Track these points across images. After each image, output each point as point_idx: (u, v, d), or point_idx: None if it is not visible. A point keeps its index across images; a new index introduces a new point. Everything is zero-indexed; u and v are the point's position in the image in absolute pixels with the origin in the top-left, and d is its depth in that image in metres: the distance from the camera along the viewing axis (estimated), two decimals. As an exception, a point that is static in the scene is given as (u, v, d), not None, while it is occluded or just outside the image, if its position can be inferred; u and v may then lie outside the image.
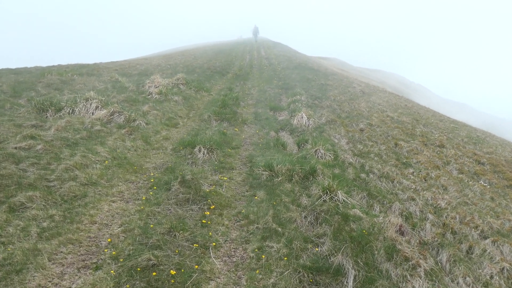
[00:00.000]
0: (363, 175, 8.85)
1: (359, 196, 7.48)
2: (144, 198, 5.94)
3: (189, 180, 6.59)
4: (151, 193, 6.13)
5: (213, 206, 6.03)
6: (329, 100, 16.32)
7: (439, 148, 13.61)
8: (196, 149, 8.22)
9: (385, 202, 7.43)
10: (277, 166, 7.91)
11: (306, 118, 12.50)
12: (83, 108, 9.34)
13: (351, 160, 9.70)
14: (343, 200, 6.91)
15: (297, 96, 15.72)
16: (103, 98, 9.95)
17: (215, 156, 8.26)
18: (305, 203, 6.76)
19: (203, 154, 8.16)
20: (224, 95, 14.84)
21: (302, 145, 10.39)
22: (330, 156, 9.55)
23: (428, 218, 7.03)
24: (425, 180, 9.78)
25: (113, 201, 5.72)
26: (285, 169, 7.88)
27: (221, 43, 50.79)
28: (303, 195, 7.05)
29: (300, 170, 8.06)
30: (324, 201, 6.77)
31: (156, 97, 12.44)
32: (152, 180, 6.63)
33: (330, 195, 6.94)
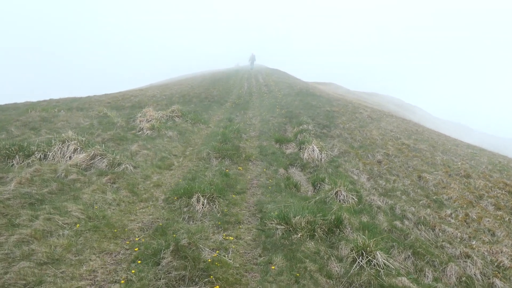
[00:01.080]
0: (397, 223, 7.24)
1: (402, 255, 5.87)
2: (123, 280, 4.32)
3: (185, 246, 4.99)
4: (133, 271, 4.50)
5: (217, 287, 4.41)
6: (338, 128, 14.85)
7: (466, 178, 12.06)
8: (194, 199, 6.63)
9: (435, 263, 5.81)
10: (294, 217, 6.32)
11: (317, 151, 10.97)
12: (59, 152, 7.79)
13: (379, 203, 8.11)
14: (384, 264, 5.30)
15: (303, 125, 14.25)
16: (84, 139, 8.41)
17: (217, 207, 6.67)
18: (336, 271, 5.15)
19: (203, 205, 6.57)
20: (224, 127, 13.36)
21: (318, 185, 8.82)
22: (353, 199, 7.96)
23: (496, 286, 5.40)
24: (467, 224, 8.17)
25: (80, 289, 4.10)
26: (305, 222, 6.27)
27: (218, 71, 49.83)
28: (332, 258, 5.44)
29: (322, 222, 6.46)
30: (361, 267, 5.18)
31: (147, 133, 10.93)
32: (136, 249, 5.01)
33: (367, 257, 5.35)
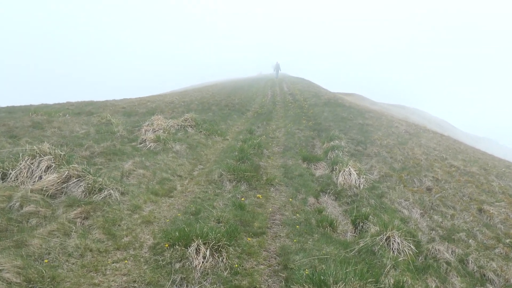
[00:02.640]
0: (479, 291, 5.06)
1: None
2: None
3: None
4: None
5: None
6: (375, 145, 12.65)
7: (535, 212, 9.69)
8: (192, 248, 4.63)
9: None
10: (335, 283, 4.25)
11: (355, 175, 8.83)
12: (25, 170, 5.94)
13: (446, 255, 5.92)
14: None
15: (335, 141, 12.13)
16: (63, 153, 6.54)
17: (224, 260, 4.65)
18: None
19: (204, 258, 4.57)
20: (243, 140, 11.37)
21: (361, 223, 6.69)
22: (410, 247, 5.81)
23: None
24: None
25: None
26: (351, 291, 4.21)
27: (240, 79, 48.15)
28: None
29: (376, 291, 4.37)
30: None
31: (150, 146, 9.03)
32: None
33: None
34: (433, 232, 6.96)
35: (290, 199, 7.26)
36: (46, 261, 4.03)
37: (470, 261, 5.96)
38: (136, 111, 18.06)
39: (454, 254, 6.10)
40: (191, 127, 12.02)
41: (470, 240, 6.98)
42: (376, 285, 4.45)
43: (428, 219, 7.67)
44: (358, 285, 4.28)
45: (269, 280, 4.53)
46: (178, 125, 11.87)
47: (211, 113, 16.92)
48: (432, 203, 8.78)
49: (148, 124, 11.11)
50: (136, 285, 3.95)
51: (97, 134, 9.56)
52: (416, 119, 49.02)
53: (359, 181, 8.77)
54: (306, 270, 4.60)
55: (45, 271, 3.81)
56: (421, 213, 7.83)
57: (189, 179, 7.70)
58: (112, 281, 3.96)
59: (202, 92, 29.60)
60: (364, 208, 7.22)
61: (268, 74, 55.13)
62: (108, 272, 4.10)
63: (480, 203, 9.50)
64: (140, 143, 9.24)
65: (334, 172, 9.53)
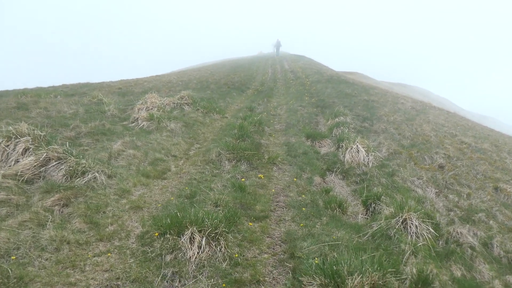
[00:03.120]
0: (510, 279, 4.49)
1: None
2: None
3: None
4: None
5: None
6: (382, 121, 11.98)
7: (553, 189, 9.09)
8: (186, 237, 4.04)
9: None
10: (350, 275, 3.68)
11: (364, 152, 8.21)
12: (0, 154, 5.31)
13: (470, 239, 5.34)
14: None
15: (340, 117, 11.46)
16: (43, 133, 5.90)
17: (223, 249, 4.07)
18: None
19: (199, 247, 3.99)
20: (242, 117, 10.71)
21: (373, 204, 6.10)
22: (429, 230, 5.23)
23: None
24: None
25: None
26: (369, 285, 3.63)
27: (240, 58, 47.09)
28: None
29: (397, 283, 3.81)
30: None
31: (143, 125, 8.38)
32: None
33: None
34: (451, 213, 6.38)
35: (295, 179, 6.66)
36: (14, 257, 3.45)
37: (495, 245, 5.39)
38: (131, 91, 17.36)
39: (476, 238, 5.52)
40: (187, 105, 11.34)
41: (491, 222, 6.40)
42: (397, 276, 3.89)
43: (444, 198, 7.08)
44: (376, 276, 3.71)
45: (274, 271, 3.96)
46: (174, 103, 11.19)
47: (209, 91, 16.19)
48: (446, 182, 8.18)
49: (141, 103, 10.44)
50: (119, 282, 3.37)
51: (86, 114, 8.89)
52: (417, 97, 48.13)
53: (368, 159, 8.15)
54: (316, 259, 4.03)
55: (11, 270, 3.22)
56: (436, 192, 7.24)
57: (185, 159, 7.08)
58: (91, 278, 3.38)
59: (201, 72, 28.74)
60: (375, 188, 6.62)
61: (269, 53, 53.89)
62: (87, 268, 3.52)
63: (496, 181, 8.90)
64: (132, 122, 8.59)
65: (340, 150, 8.91)
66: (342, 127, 10.49)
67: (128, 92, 17.32)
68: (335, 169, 7.75)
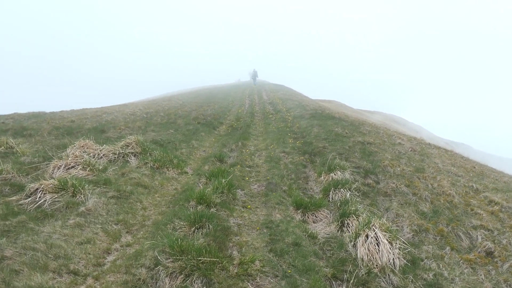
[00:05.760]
0: None
1: None
2: None
3: None
4: None
5: None
6: (389, 175, 9.13)
7: None
8: None
9: None
10: None
11: (387, 245, 5.24)
12: None
13: None
14: None
15: (336, 172, 8.54)
16: None
17: None
18: None
19: None
20: (208, 174, 7.65)
21: None
22: None
23: None
24: None
25: None
26: None
27: (217, 87, 44.38)
28: None
29: None
30: None
31: (44, 201, 5.21)
32: None
33: None
34: None
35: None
36: None
37: None
38: (80, 127, 14.20)
39: None
40: (134, 155, 8.25)
41: None
42: None
43: None
44: None
45: None
46: (114, 154, 8.07)
47: (173, 130, 13.12)
48: (510, 285, 5.29)
49: (67, 154, 7.29)
50: None
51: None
52: (394, 126, 46.23)
53: (393, 255, 5.18)
54: None
55: None
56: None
57: (92, 279, 3.93)
58: None
59: (172, 102, 25.70)
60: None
61: (247, 81, 51.53)
62: None
63: None
64: (30, 195, 5.40)
65: (346, 231, 5.96)
66: (342, 189, 7.56)
67: (74, 128, 14.20)
68: (345, 277, 4.74)
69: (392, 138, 15.00)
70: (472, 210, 8.12)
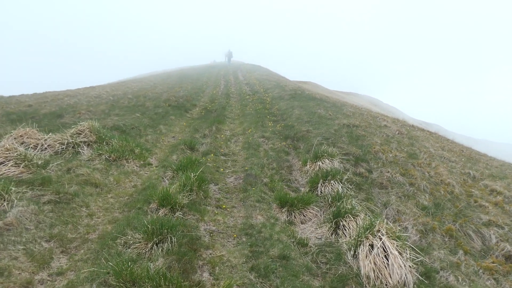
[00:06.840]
0: None
1: None
2: None
3: None
4: None
5: None
6: (381, 162, 8.09)
7: None
8: None
9: None
10: None
11: (398, 256, 4.17)
12: None
13: None
14: None
15: (324, 160, 7.43)
16: None
17: None
18: None
19: None
20: (175, 167, 6.41)
21: None
22: None
23: None
24: None
25: None
26: None
27: (190, 67, 42.45)
28: None
29: None
30: None
31: None
32: None
33: None
34: None
35: None
36: None
37: None
38: (37, 112, 12.58)
39: None
40: (88, 145, 6.88)
41: None
42: None
43: None
44: None
45: None
46: (62, 143, 6.68)
47: (140, 113, 11.69)
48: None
49: (2, 145, 5.87)
50: None
51: None
52: (368, 106, 45.63)
53: (405, 269, 4.12)
54: None
55: None
56: None
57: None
58: None
59: (142, 83, 23.96)
60: None
61: (222, 62, 49.68)
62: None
63: None
64: None
65: (341, 234, 4.89)
66: (332, 181, 6.46)
67: (32, 113, 12.60)
68: (348, 302, 3.64)
69: (377, 120, 14.02)
70: (475, 202, 7.21)
